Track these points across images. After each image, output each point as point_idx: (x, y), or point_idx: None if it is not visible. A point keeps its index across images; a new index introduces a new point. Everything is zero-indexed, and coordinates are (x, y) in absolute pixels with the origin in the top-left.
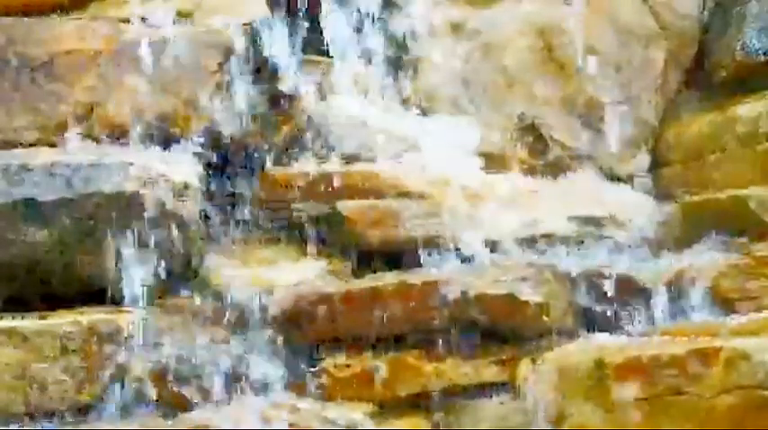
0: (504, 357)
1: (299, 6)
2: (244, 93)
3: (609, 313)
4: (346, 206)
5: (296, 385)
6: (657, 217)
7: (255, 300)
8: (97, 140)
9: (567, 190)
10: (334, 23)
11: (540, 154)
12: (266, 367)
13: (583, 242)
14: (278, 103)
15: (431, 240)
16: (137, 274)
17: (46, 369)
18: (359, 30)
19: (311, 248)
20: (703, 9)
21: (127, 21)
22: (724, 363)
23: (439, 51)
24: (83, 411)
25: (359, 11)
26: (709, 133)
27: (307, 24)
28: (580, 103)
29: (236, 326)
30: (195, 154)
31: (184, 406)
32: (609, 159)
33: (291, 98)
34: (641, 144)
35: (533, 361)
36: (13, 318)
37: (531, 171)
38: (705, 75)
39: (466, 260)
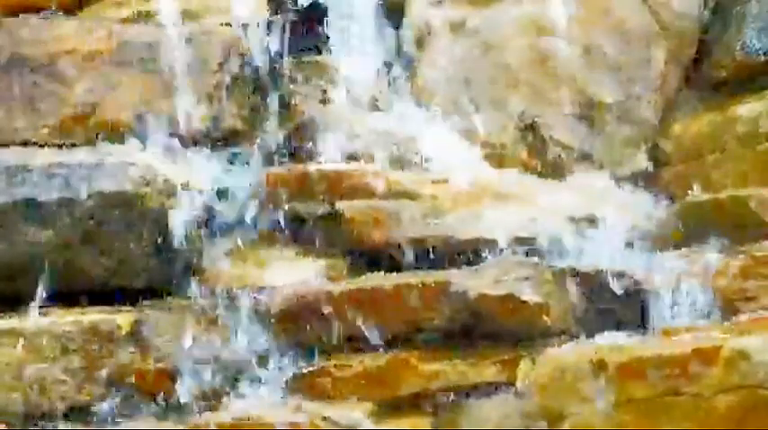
0: (504, 357)
1: (300, 6)
2: (244, 92)
3: (609, 313)
4: (346, 206)
5: (296, 385)
6: (657, 217)
7: (255, 299)
8: (97, 140)
9: (567, 190)
10: (335, 23)
11: (540, 154)
12: (266, 367)
13: (583, 242)
14: (278, 102)
15: (430, 240)
16: (136, 275)
17: (46, 369)
18: (360, 29)
19: (311, 248)
20: (703, 9)
21: (127, 20)
22: (724, 363)
23: (439, 50)
24: (83, 411)
25: (360, 11)
26: (710, 133)
27: (308, 24)
28: (580, 103)
29: (235, 326)
30: (195, 154)
31: (184, 406)
32: (609, 159)
33: (291, 98)
34: (641, 144)
35: (533, 361)
36: (13, 317)
37: (530, 171)
38: (705, 75)
39: (466, 260)
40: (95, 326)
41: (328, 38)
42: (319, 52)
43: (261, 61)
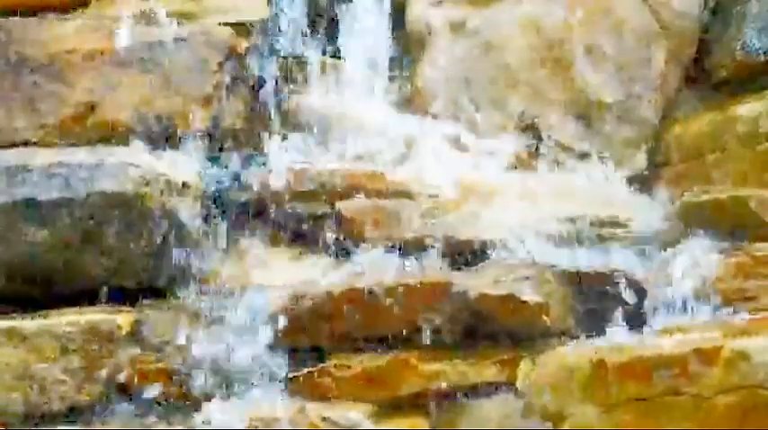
0: (504, 357)
1: (300, 6)
2: (244, 92)
3: (608, 313)
4: (346, 206)
5: (296, 385)
6: (657, 217)
7: (255, 299)
8: (97, 140)
9: (567, 190)
10: (336, 23)
11: (540, 154)
12: (266, 367)
13: (583, 242)
14: (279, 102)
15: (431, 240)
16: (136, 275)
17: (46, 369)
18: (360, 29)
19: (311, 248)
20: (703, 9)
21: (127, 20)
22: (724, 363)
23: (439, 50)
24: (83, 411)
25: (360, 11)
26: (710, 133)
27: (308, 24)
28: (580, 103)
29: (235, 326)
30: (195, 153)
31: (184, 406)
32: (609, 159)
33: (292, 97)
34: (641, 143)
35: (533, 361)
36: (14, 318)
37: (530, 171)
38: (705, 74)
39: (466, 260)
40: (95, 327)
41: (329, 38)
42: (320, 52)
43: (261, 61)
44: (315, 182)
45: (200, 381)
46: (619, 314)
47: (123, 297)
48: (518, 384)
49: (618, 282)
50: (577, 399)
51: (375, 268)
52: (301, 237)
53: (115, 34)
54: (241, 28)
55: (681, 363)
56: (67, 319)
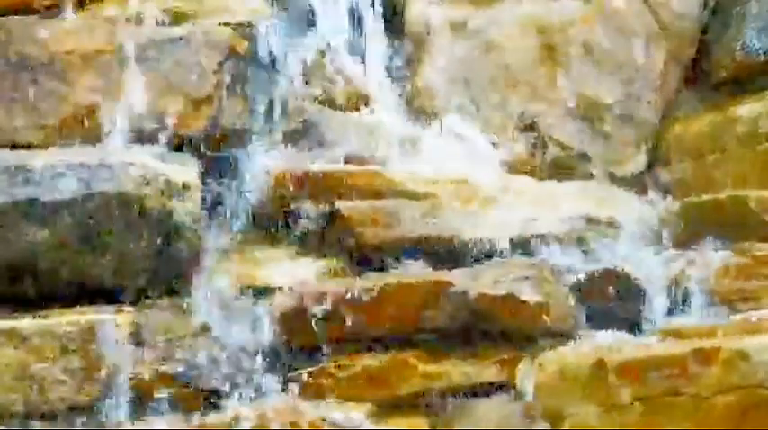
0: (504, 357)
1: (300, 6)
2: (244, 92)
3: (608, 313)
4: (346, 206)
5: (296, 385)
6: (657, 217)
7: (255, 299)
8: (97, 140)
9: (567, 190)
10: (336, 23)
11: (540, 154)
12: (266, 367)
13: (583, 242)
14: (278, 102)
15: (431, 240)
16: (136, 275)
17: (46, 369)
18: (361, 29)
19: (311, 248)
20: (703, 9)
21: (127, 20)
22: (723, 363)
23: (439, 50)
24: (83, 411)
25: (360, 10)
26: (710, 133)
27: (308, 23)
28: (580, 103)
29: (235, 326)
30: (195, 153)
31: (184, 407)
32: (609, 159)
33: (291, 97)
34: (641, 144)
35: (533, 361)
36: (14, 318)
37: (530, 171)
38: (705, 75)
39: (466, 260)
40: (95, 327)
41: (329, 38)
42: (320, 52)
43: (261, 61)
44: (314, 181)
45: (200, 382)
46: (619, 314)
47: (123, 297)
48: (518, 384)
49: (617, 282)
50: (577, 399)
51: (374, 267)
52: (301, 238)
53: (115, 34)
54: (241, 28)
55: (680, 363)
56: (67, 319)
